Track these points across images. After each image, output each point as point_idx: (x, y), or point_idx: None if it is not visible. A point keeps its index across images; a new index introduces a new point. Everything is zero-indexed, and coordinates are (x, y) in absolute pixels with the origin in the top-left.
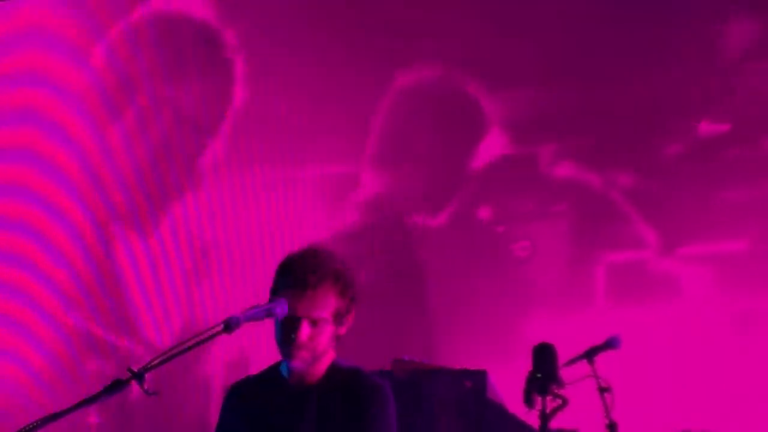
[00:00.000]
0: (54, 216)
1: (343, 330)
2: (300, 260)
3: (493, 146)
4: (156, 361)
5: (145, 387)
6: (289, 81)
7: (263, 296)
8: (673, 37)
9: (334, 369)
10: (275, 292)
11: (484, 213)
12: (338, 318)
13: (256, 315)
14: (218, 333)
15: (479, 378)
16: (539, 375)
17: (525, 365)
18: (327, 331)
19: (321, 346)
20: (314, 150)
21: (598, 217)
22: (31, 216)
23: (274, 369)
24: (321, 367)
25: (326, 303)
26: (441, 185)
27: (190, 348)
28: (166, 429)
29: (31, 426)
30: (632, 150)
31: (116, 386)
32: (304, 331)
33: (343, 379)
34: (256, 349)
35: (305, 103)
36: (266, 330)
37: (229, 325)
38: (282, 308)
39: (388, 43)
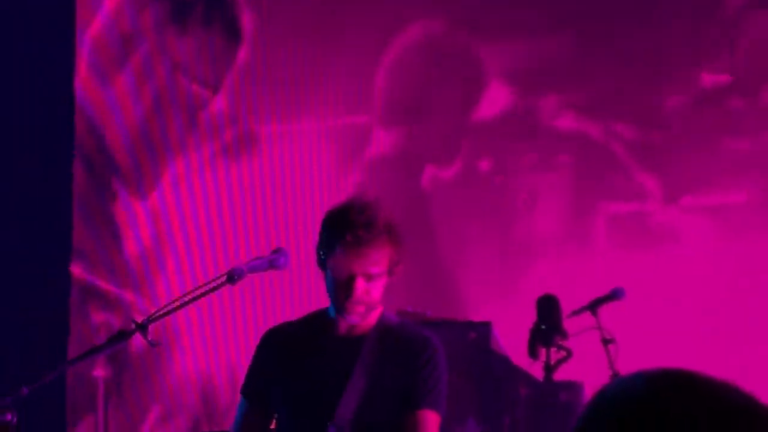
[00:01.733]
0: (54, 168)
1: (394, 278)
2: (352, 216)
3: (494, 98)
4: (160, 313)
5: (149, 338)
6: (296, 34)
7: (266, 247)
8: None
9: (383, 320)
10: (326, 248)
11: (486, 165)
12: (391, 269)
13: (259, 266)
14: (221, 284)
15: (483, 329)
16: (543, 327)
17: (529, 317)
18: (381, 284)
19: (375, 299)
20: (319, 102)
21: (599, 168)
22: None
23: (317, 316)
24: (371, 318)
25: (382, 258)
26: (444, 139)
27: (193, 299)
28: (172, 382)
29: (39, 376)
30: (633, 101)
31: (120, 337)
32: (360, 286)
33: (394, 331)
34: (263, 305)
35: (310, 55)
36: (272, 284)
37: (232, 276)
38: (285, 259)
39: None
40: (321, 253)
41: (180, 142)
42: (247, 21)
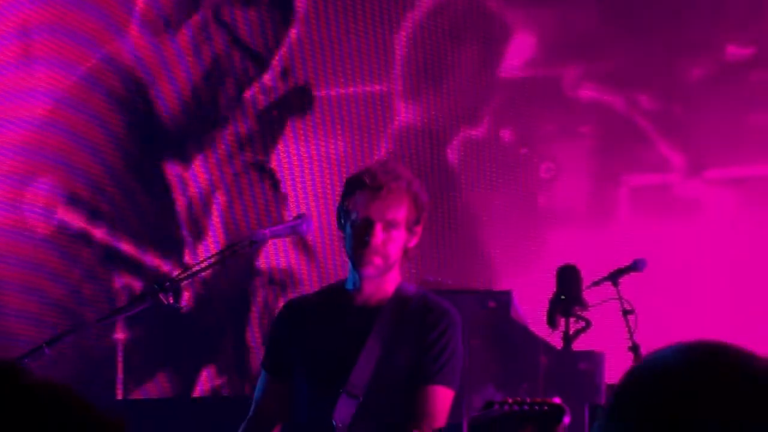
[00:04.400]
0: (99, 129)
1: (412, 242)
2: (374, 166)
3: (516, 68)
4: (182, 276)
5: (171, 301)
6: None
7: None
8: None
9: (401, 291)
10: (347, 197)
11: (509, 135)
12: (410, 226)
13: (281, 231)
14: (244, 249)
15: (503, 298)
16: (563, 297)
17: (549, 287)
18: (399, 238)
19: (393, 253)
20: (354, 72)
21: (622, 139)
22: (71, 117)
23: (335, 288)
24: (389, 287)
25: (400, 206)
26: (466, 109)
27: (216, 263)
28: (202, 346)
29: (59, 336)
30: (657, 72)
31: (143, 299)
32: (378, 233)
33: (411, 301)
34: (299, 268)
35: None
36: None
37: (255, 241)
38: (307, 225)
39: None
40: (341, 212)
41: (225, 112)
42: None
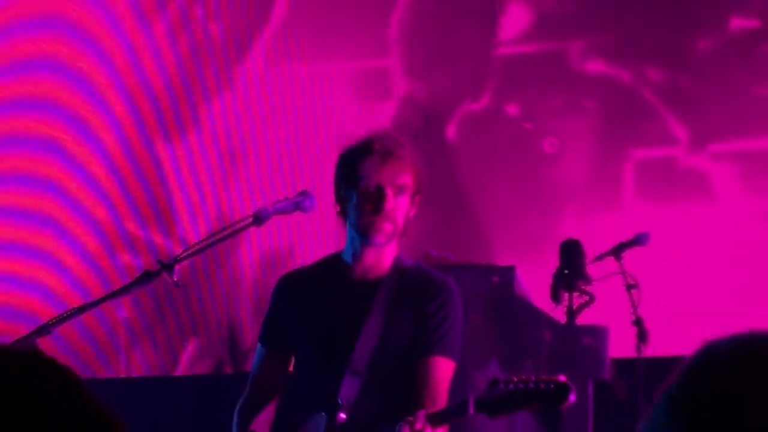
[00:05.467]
0: (95, 109)
1: (412, 212)
2: (380, 134)
3: (520, 41)
4: (186, 253)
5: (174, 279)
6: None
7: (296, 190)
8: None
9: (399, 263)
10: (355, 162)
11: (513, 109)
12: (413, 194)
13: (284, 207)
14: (247, 225)
15: (507, 273)
16: (566, 271)
17: (553, 261)
18: (405, 205)
19: (400, 220)
20: (347, 45)
21: (628, 113)
22: (68, 100)
23: (332, 261)
24: (387, 259)
25: (408, 172)
26: (469, 82)
27: (219, 240)
28: (197, 323)
29: (63, 316)
30: (663, 45)
31: (146, 277)
32: (390, 198)
33: (409, 274)
34: (288, 246)
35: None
36: (298, 226)
37: (259, 218)
38: (310, 201)
39: None
40: (343, 181)
41: (214, 88)
42: None
